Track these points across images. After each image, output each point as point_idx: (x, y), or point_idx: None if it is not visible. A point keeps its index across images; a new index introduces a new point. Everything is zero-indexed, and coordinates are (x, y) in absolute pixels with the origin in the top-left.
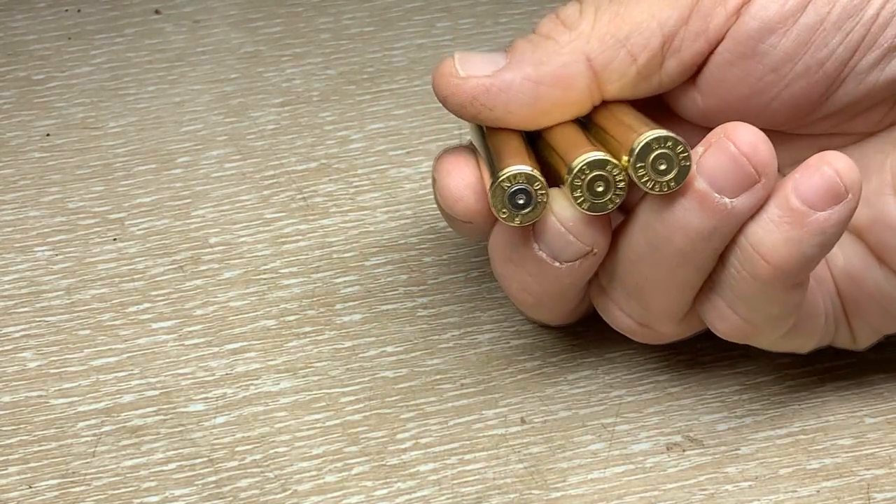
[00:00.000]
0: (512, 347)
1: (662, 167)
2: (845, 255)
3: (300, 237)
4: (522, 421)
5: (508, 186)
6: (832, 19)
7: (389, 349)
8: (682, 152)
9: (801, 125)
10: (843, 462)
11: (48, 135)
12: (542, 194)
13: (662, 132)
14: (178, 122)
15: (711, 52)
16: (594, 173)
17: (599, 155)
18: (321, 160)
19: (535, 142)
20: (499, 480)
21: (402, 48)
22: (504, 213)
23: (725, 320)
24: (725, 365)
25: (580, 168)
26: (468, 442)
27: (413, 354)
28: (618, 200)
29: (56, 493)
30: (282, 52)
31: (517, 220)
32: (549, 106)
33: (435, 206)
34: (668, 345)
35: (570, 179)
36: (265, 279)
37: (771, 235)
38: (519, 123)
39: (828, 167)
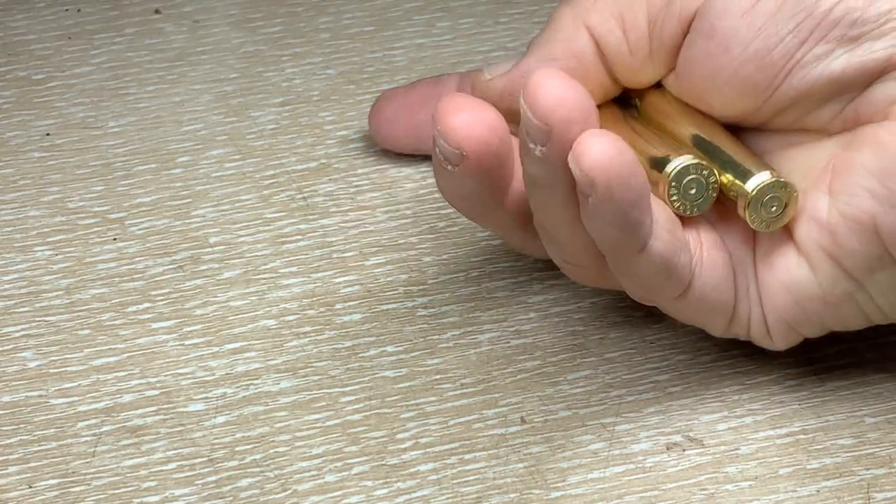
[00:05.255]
0: (512, 347)
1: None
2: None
3: (300, 237)
4: (522, 421)
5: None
6: (787, 9)
7: (389, 349)
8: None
9: (758, 117)
10: (843, 462)
11: (48, 135)
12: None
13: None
14: (178, 122)
15: (686, 35)
16: (688, 177)
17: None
18: (321, 160)
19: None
20: (499, 480)
21: (402, 48)
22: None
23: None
24: (725, 365)
25: (673, 178)
26: (468, 442)
27: (413, 354)
28: (713, 194)
29: (56, 493)
30: (282, 52)
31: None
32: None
33: (435, 205)
34: (668, 344)
35: (666, 187)
36: (265, 279)
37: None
38: None
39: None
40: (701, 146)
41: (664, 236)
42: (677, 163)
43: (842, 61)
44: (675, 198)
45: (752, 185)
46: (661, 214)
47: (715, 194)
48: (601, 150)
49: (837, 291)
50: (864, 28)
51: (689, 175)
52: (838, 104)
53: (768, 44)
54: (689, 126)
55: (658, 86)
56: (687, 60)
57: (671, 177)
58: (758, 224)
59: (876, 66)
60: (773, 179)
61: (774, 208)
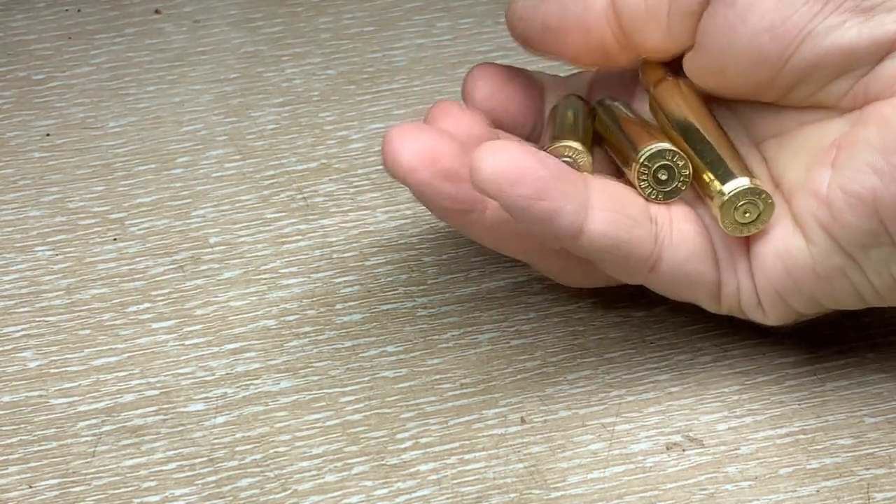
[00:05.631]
0: (512, 347)
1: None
2: None
3: (300, 237)
4: (522, 421)
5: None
6: None
7: (389, 349)
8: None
9: (773, 91)
10: (843, 462)
11: (48, 135)
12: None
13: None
14: (178, 122)
15: (706, 5)
16: (658, 163)
17: (662, 145)
18: (321, 160)
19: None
20: (499, 480)
21: (402, 48)
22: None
23: None
24: (725, 365)
25: (644, 160)
26: (468, 442)
27: (413, 354)
28: (682, 188)
29: (56, 493)
30: (282, 52)
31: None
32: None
33: None
34: (668, 344)
35: (636, 170)
36: (265, 279)
37: None
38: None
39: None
40: (691, 139)
41: (604, 216)
42: (650, 148)
43: (853, 33)
44: (644, 183)
45: (729, 187)
46: (600, 194)
47: (685, 185)
48: (486, 163)
49: (829, 265)
50: (877, 0)
51: (661, 161)
52: (850, 79)
53: (783, 14)
54: (687, 118)
55: (675, 76)
56: (706, 31)
57: (641, 161)
58: (729, 227)
59: (886, 39)
60: (751, 186)
61: (748, 215)
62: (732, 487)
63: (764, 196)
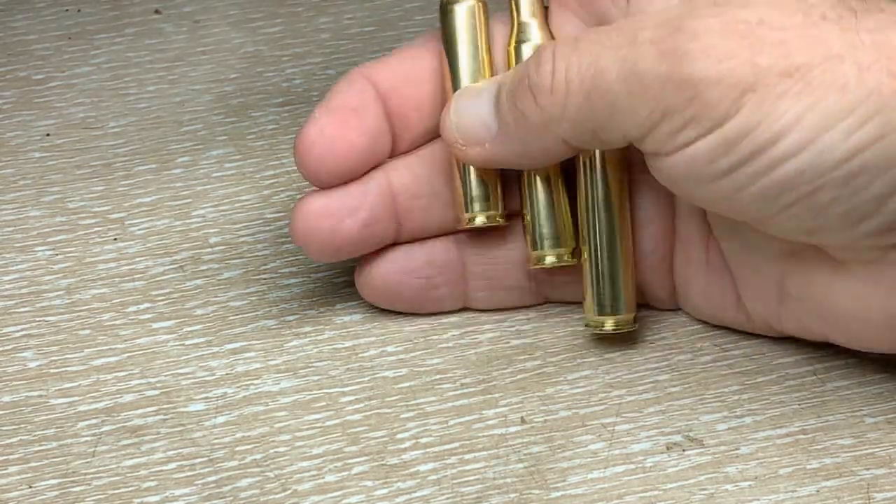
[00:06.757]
0: (512, 347)
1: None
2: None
3: None
4: (522, 421)
5: None
6: None
7: (389, 349)
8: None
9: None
10: (843, 462)
11: (48, 135)
12: None
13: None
14: (178, 122)
15: None
16: None
17: None
18: None
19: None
20: (499, 480)
21: None
22: None
23: None
24: (725, 365)
25: None
26: (468, 442)
27: (413, 354)
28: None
29: (56, 493)
30: (282, 52)
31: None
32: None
33: None
34: (668, 344)
35: None
36: (265, 279)
37: None
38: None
39: None
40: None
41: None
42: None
43: None
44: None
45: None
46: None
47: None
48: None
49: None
50: None
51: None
52: None
53: None
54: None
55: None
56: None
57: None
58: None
59: None
60: (558, 260)
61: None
62: (732, 487)
63: (563, 261)
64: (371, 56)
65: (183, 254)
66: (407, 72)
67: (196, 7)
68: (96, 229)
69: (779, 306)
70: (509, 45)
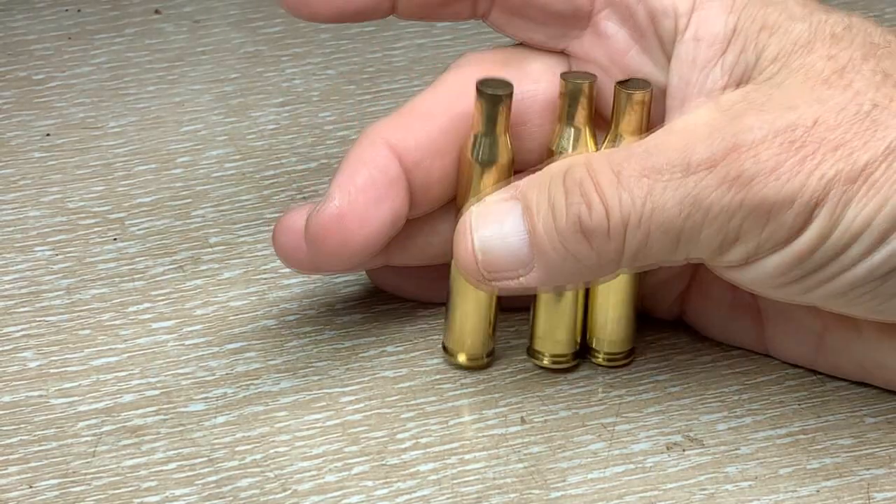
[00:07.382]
0: (512, 347)
1: None
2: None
3: None
4: (522, 421)
5: None
6: None
7: (389, 349)
8: None
9: None
10: (843, 462)
11: (48, 135)
12: None
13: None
14: (178, 122)
15: None
16: None
17: None
18: (321, 160)
19: None
20: (499, 480)
21: (402, 48)
22: None
23: None
24: (725, 365)
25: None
26: (468, 442)
27: (413, 354)
28: None
29: (56, 493)
30: (282, 52)
31: None
32: None
33: None
34: (668, 344)
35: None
36: (265, 279)
37: None
38: None
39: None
40: None
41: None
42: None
43: None
44: None
45: None
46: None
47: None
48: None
49: None
50: None
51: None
52: None
53: None
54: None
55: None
56: None
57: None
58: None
59: None
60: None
61: None
62: (732, 487)
63: None
64: (371, 56)
65: (183, 254)
66: (433, 142)
67: (196, 7)
68: (96, 229)
69: (816, 355)
70: (552, 143)
